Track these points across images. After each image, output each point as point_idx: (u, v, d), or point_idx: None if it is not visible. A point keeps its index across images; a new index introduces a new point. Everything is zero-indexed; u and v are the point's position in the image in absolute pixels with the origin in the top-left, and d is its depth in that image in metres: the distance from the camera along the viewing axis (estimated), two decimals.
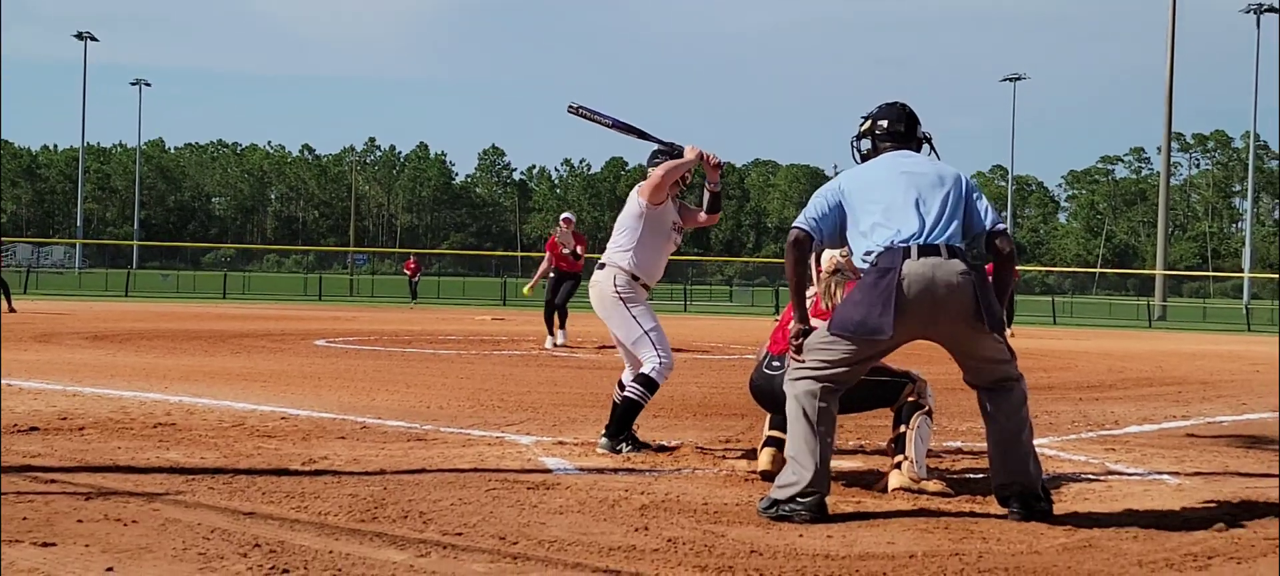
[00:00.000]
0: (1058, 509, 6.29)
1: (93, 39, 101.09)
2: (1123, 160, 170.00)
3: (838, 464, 7.60)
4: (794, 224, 6.39)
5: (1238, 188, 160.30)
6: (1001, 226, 6.37)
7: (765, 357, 7.32)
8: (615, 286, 8.29)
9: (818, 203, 6.38)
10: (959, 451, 8.59)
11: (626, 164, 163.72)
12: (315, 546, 5.13)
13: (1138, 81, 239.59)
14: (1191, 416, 11.34)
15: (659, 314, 8.50)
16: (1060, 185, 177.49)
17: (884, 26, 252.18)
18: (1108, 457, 8.42)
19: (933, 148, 6.72)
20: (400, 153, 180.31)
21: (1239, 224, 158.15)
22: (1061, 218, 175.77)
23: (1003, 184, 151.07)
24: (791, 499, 5.99)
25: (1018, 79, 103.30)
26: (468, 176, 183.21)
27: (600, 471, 7.31)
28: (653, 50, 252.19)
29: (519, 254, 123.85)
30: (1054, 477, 7.38)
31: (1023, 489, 6.14)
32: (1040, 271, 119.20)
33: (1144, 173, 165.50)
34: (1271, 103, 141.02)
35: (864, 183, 6.35)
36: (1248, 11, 76.43)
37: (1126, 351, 24.56)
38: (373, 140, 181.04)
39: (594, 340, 20.88)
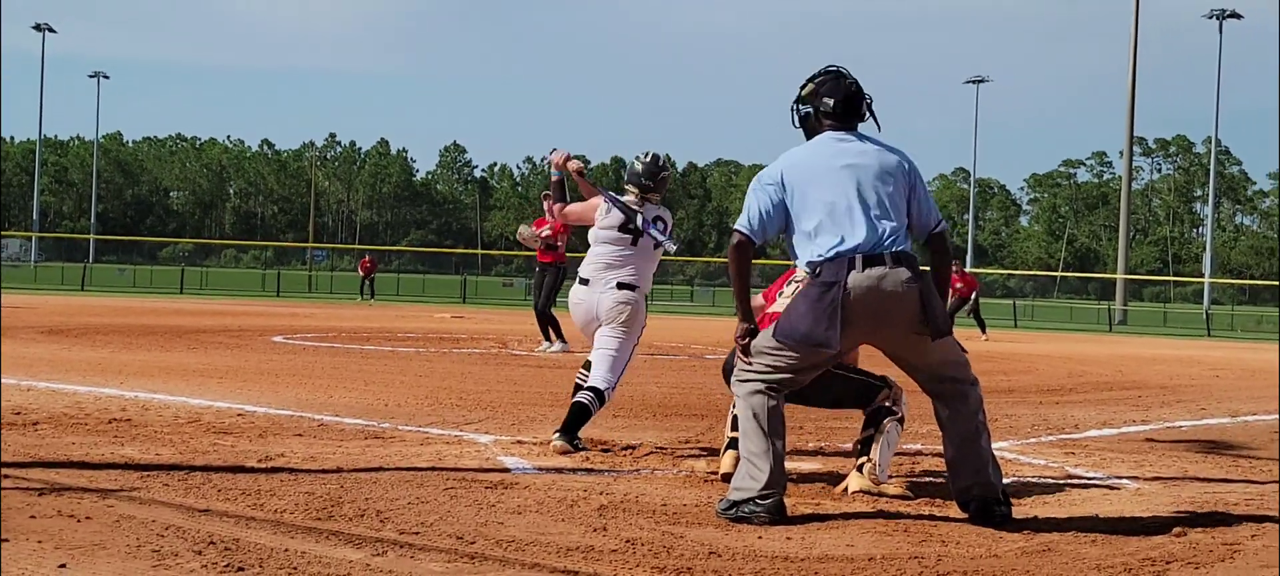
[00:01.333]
0: (1017, 512, 6.28)
1: (51, 30, 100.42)
2: (1085, 164, 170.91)
3: (797, 464, 7.60)
4: (736, 227, 6.32)
5: (1199, 193, 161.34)
6: (942, 226, 6.36)
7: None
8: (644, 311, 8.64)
9: (760, 200, 6.28)
10: (918, 453, 8.59)
11: (589, 163, 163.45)
12: (271, 544, 5.08)
13: (1100, 85, 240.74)
14: (1151, 421, 11.39)
15: None
16: (1022, 188, 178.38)
17: (847, 27, 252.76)
18: (1067, 461, 8.45)
19: (873, 116, 6.47)
20: (361, 148, 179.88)
21: (1200, 229, 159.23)
22: (1023, 221, 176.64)
23: (965, 186, 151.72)
24: (749, 500, 5.96)
25: (981, 82, 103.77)
26: (428, 173, 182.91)
27: (559, 471, 7.28)
28: (616, 48, 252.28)
29: (479, 251, 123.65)
30: (1013, 481, 7.39)
31: (983, 493, 6.11)
32: (1001, 274, 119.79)
33: (1106, 177, 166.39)
34: (1232, 107, 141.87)
35: (806, 176, 6.22)
36: (1210, 17, 76.98)
37: (1087, 355, 24.71)
38: (333, 136, 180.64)
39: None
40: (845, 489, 6.83)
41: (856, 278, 6.00)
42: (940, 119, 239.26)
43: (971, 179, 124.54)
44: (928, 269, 6.33)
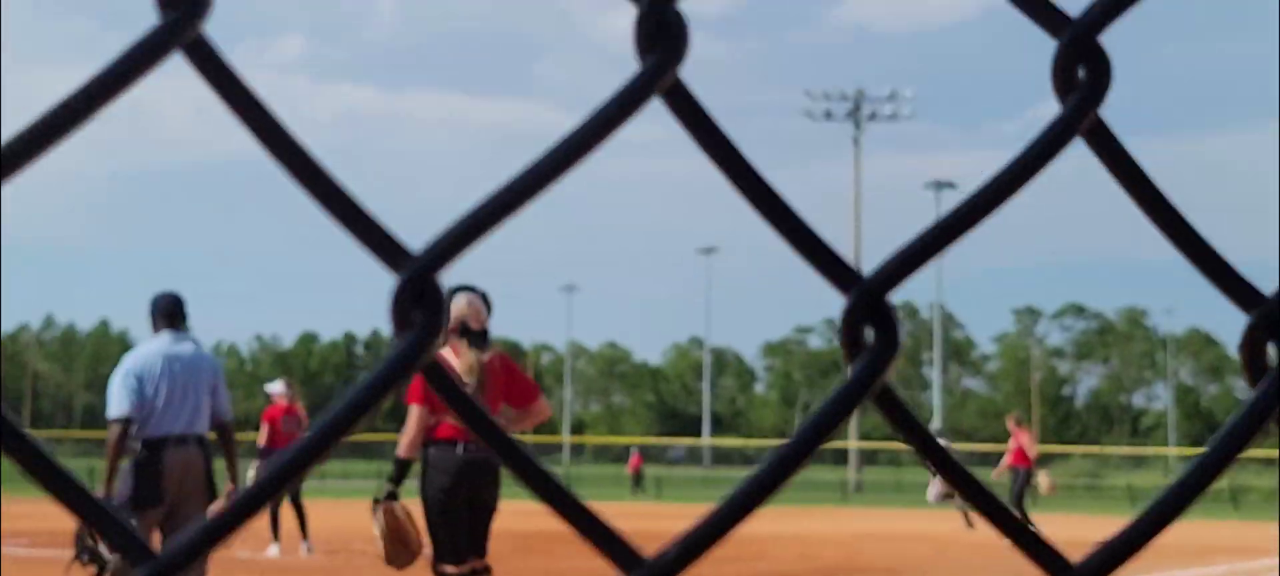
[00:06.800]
0: None
1: None
2: (815, 330, 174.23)
3: None
4: (114, 417, 8.03)
5: (926, 356, 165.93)
6: (229, 416, 8.54)
7: None
8: None
9: (125, 390, 8.06)
10: None
11: (318, 337, 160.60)
12: None
13: None
14: None
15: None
16: (757, 355, 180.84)
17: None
18: None
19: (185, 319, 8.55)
20: (81, 330, 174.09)
21: (927, 392, 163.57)
22: (759, 388, 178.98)
23: (699, 353, 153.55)
24: None
25: (711, 251, 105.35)
26: None
27: None
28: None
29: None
30: None
31: None
32: (738, 443, 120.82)
33: (835, 343, 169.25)
34: (954, 272, 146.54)
35: (151, 371, 8.12)
36: (928, 187, 79.50)
37: (820, 535, 24.12)
38: (51, 316, 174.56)
39: (354, 538, 18.62)
40: None
41: (171, 453, 8.03)
42: (671, 286, 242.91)
43: (705, 347, 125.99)
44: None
